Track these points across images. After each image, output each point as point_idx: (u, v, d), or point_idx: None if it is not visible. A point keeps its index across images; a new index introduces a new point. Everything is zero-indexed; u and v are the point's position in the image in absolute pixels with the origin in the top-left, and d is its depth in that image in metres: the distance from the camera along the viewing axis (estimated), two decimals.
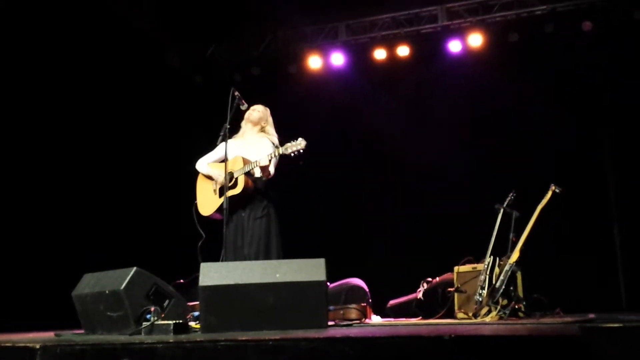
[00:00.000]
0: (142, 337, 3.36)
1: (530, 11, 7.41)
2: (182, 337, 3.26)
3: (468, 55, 7.70)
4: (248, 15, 7.74)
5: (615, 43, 7.02)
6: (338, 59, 8.10)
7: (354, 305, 5.60)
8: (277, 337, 2.69)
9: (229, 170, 4.81)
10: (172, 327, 3.50)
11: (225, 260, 4.63)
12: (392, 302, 6.52)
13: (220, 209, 4.89)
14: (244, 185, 4.80)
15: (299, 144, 4.61)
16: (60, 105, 7.14)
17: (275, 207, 4.96)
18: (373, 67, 8.06)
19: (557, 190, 5.44)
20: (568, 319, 4.46)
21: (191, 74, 8.50)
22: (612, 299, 6.57)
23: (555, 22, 7.26)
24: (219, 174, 4.97)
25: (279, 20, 7.93)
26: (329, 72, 8.21)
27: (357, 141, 7.94)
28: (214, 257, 4.64)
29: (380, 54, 7.97)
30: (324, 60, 8.17)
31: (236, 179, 4.81)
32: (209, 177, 5.11)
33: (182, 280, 5.97)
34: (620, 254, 6.80)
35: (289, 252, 4.83)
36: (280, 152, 4.71)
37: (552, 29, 7.27)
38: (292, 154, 4.65)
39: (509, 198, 5.64)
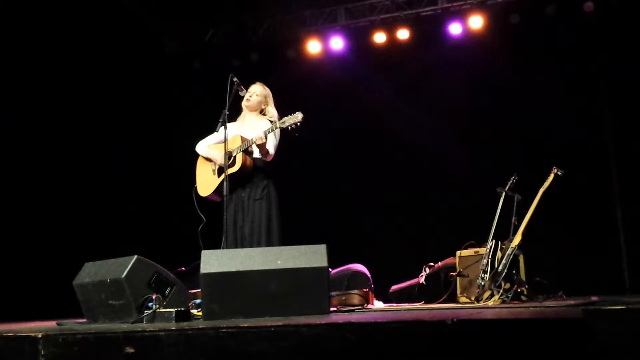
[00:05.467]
0: (144, 325, 3.36)
1: None
2: (184, 324, 3.25)
3: (469, 37, 7.63)
4: (246, 0, 7.67)
5: (617, 24, 6.95)
6: (337, 43, 8.04)
7: (356, 291, 5.60)
8: (279, 323, 2.68)
9: (227, 149, 4.80)
10: (174, 315, 3.50)
11: (226, 242, 4.62)
12: (394, 287, 6.52)
13: (218, 190, 4.88)
14: (242, 163, 4.77)
15: (296, 116, 4.58)
16: (58, 95, 7.12)
17: (276, 189, 4.93)
18: (373, 51, 8.00)
19: (559, 173, 5.42)
20: (571, 302, 4.46)
21: (189, 59, 8.44)
22: (615, 281, 6.56)
23: (556, 3, 7.18)
24: (218, 155, 4.95)
25: (278, 4, 7.85)
26: (328, 57, 8.15)
27: (358, 125, 7.90)
28: (215, 240, 4.64)
29: (379, 37, 7.91)
30: (323, 45, 8.11)
31: (234, 157, 4.79)
32: (209, 159, 5.09)
33: (183, 268, 5.98)
34: (623, 236, 6.78)
35: (289, 235, 4.81)
36: (278, 126, 4.68)
37: (553, 10, 7.19)
38: (290, 127, 4.62)
39: (510, 181, 5.62)
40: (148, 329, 2.83)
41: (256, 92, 5.07)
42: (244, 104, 5.07)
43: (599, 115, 7.04)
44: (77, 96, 7.29)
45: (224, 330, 2.67)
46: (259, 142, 4.70)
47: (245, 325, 2.69)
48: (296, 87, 7.60)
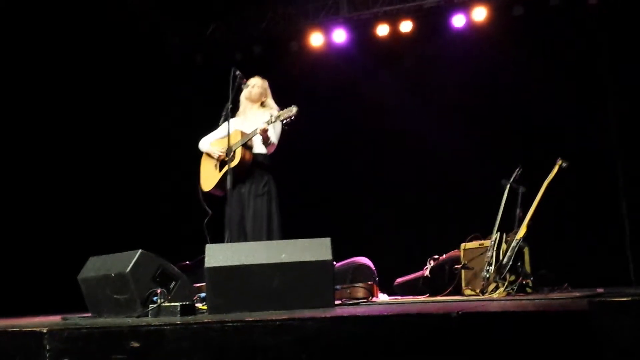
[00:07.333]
0: (149, 320, 3.37)
1: None
2: (189, 318, 3.26)
3: (472, 29, 7.59)
4: None
5: (622, 17, 6.89)
6: (340, 35, 8.01)
7: (360, 284, 5.60)
8: (284, 317, 2.67)
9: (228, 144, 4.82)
10: (178, 309, 3.50)
11: (230, 238, 4.63)
12: (399, 280, 6.52)
13: (219, 184, 4.90)
14: (241, 158, 4.79)
15: (291, 110, 4.60)
16: (62, 90, 7.12)
17: (276, 184, 4.94)
18: (376, 43, 7.96)
19: (563, 165, 5.39)
20: (576, 293, 4.45)
21: (191, 53, 8.41)
22: (620, 273, 6.54)
23: None
24: (216, 149, 4.96)
25: None
26: (331, 49, 8.12)
27: (361, 118, 7.87)
28: (218, 235, 4.64)
29: (382, 29, 7.87)
30: (325, 37, 8.08)
31: (234, 151, 4.80)
32: (210, 155, 5.10)
33: (187, 262, 5.99)
34: (629, 228, 6.74)
35: (291, 231, 4.81)
36: (273, 120, 4.69)
37: (557, 2, 7.14)
38: (285, 121, 4.65)
39: (515, 173, 5.60)
40: (153, 324, 2.84)
41: (257, 84, 5.09)
42: (245, 96, 5.07)
43: (605, 107, 6.98)
44: (81, 91, 7.30)
45: (229, 324, 2.67)
46: (262, 132, 4.71)
47: (251, 319, 2.69)
48: (299, 80, 7.59)
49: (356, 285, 5.57)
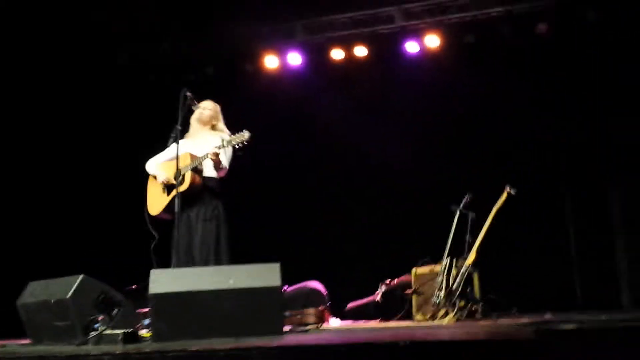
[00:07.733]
0: (89, 348, 3.25)
1: (486, 13, 7.44)
2: (131, 347, 3.15)
3: (425, 55, 7.69)
4: (202, 13, 7.57)
5: (571, 45, 7.10)
6: (295, 58, 8.01)
7: (311, 310, 5.55)
8: (229, 347, 2.61)
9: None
10: (121, 337, 3.39)
11: (177, 263, 4.52)
12: (350, 304, 6.49)
13: (167, 208, 4.79)
14: (191, 182, 4.70)
15: (243, 135, 4.53)
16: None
17: (225, 208, 4.85)
18: (330, 67, 7.99)
19: (512, 192, 5.50)
20: (524, 320, 4.48)
21: (143, 72, 8.26)
22: (567, 296, 6.65)
23: (511, 24, 7.30)
24: (162, 174, 4.87)
25: (234, 19, 7.78)
26: (285, 72, 8.11)
27: (314, 141, 7.87)
28: (166, 259, 4.53)
29: (337, 54, 7.91)
30: (280, 60, 8.07)
31: (183, 175, 4.70)
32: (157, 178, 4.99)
33: (134, 286, 5.82)
34: (576, 252, 6.87)
35: (241, 254, 4.71)
36: (224, 145, 4.62)
37: (507, 31, 7.31)
38: (237, 146, 4.58)
39: (465, 200, 5.67)
40: (92, 353, 2.76)
41: (208, 107, 5.03)
42: (195, 118, 4.99)
43: (554, 135, 7.11)
44: (22, 111, 7.13)
45: (172, 354, 2.59)
46: (214, 157, 4.63)
47: (194, 349, 2.62)
48: (252, 101, 7.54)
49: (306, 311, 5.52)
